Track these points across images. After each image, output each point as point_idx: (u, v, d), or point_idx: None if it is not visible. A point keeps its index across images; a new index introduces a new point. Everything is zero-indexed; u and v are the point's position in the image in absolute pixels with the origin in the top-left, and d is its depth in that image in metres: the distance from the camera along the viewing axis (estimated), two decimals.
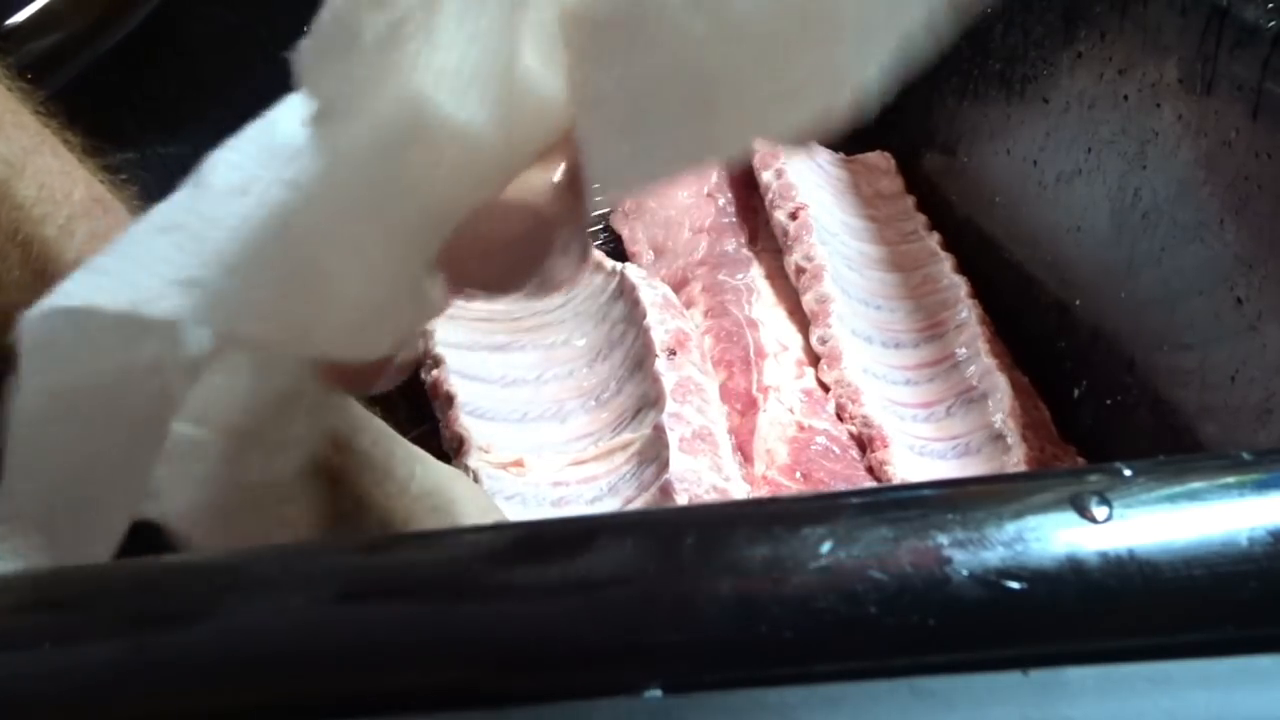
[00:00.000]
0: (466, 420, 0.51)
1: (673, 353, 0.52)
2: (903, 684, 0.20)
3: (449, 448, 0.50)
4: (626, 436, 0.50)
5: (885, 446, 0.51)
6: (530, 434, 0.52)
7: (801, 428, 0.53)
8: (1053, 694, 0.20)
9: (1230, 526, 0.21)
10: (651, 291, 0.58)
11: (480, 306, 0.56)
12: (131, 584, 0.23)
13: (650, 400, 0.50)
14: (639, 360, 0.53)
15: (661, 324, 0.55)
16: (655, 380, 0.50)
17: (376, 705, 0.21)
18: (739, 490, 0.48)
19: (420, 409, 0.54)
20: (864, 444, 0.52)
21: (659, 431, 0.47)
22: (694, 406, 0.50)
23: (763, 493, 0.50)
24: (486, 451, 0.49)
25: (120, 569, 0.24)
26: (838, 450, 0.52)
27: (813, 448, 0.52)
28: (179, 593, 0.22)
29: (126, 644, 0.21)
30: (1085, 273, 0.53)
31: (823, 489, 0.50)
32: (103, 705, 0.21)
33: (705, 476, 0.46)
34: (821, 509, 0.22)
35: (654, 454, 0.47)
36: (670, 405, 0.48)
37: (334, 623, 0.22)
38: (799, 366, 0.58)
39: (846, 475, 0.51)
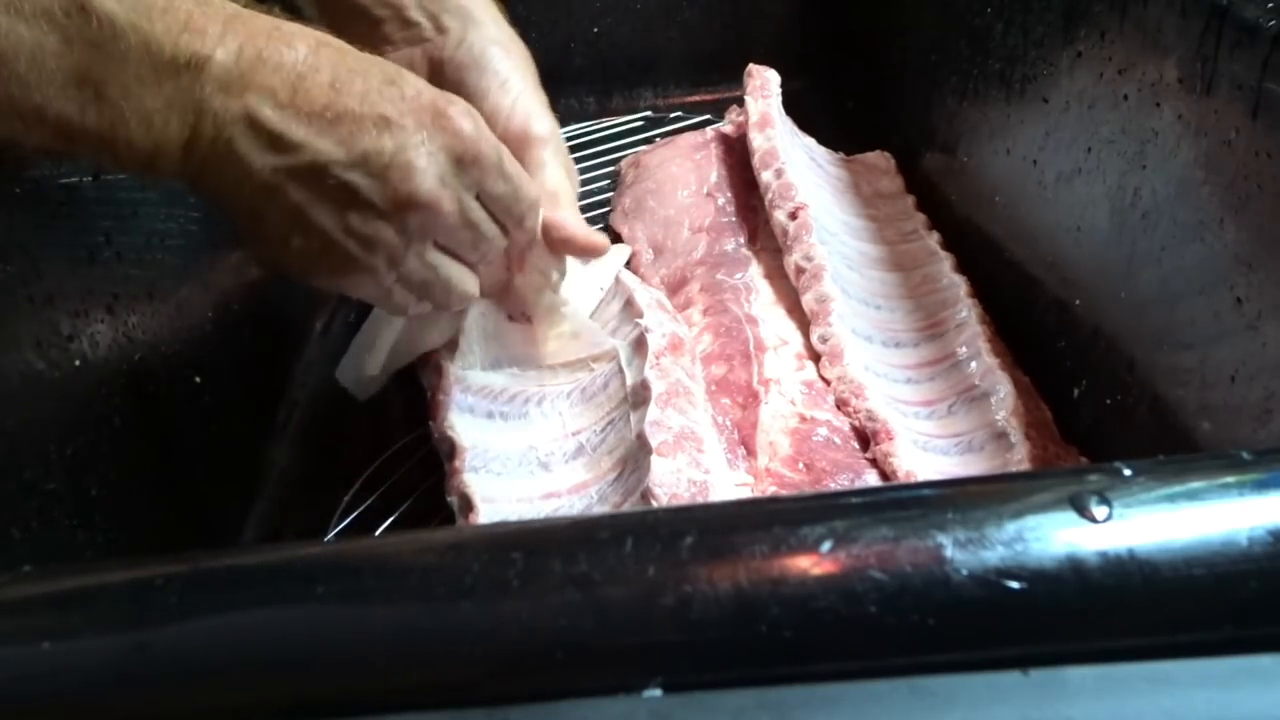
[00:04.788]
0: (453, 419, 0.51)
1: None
2: (903, 684, 0.20)
3: (443, 449, 0.50)
4: (612, 441, 0.50)
5: (890, 439, 0.51)
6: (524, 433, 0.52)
7: (803, 419, 0.53)
8: (1053, 694, 0.20)
9: (1230, 526, 0.21)
10: (646, 294, 0.59)
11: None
12: (132, 584, 0.23)
13: (639, 403, 0.51)
14: (630, 363, 0.54)
15: (659, 326, 0.55)
16: (644, 386, 0.50)
17: (376, 705, 0.21)
18: (721, 483, 0.48)
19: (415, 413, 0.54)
20: (867, 438, 0.52)
21: (642, 439, 0.48)
22: (676, 409, 0.50)
23: (766, 485, 0.50)
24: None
25: (119, 570, 0.24)
26: (839, 441, 0.52)
27: (814, 439, 0.52)
28: (179, 593, 0.22)
29: (126, 644, 0.21)
30: (1085, 273, 0.53)
31: (826, 480, 0.50)
32: (102, 705, 0.21)
33: (684, 473, 0.46)
34: (822, 508, 0.22)
35: (637, 462, 0.48)
36: (652, 412, 0.48)
37: (334, 623, 0.22)
38: (799, 359, 0.58)
39: (849, 465, 0.51)
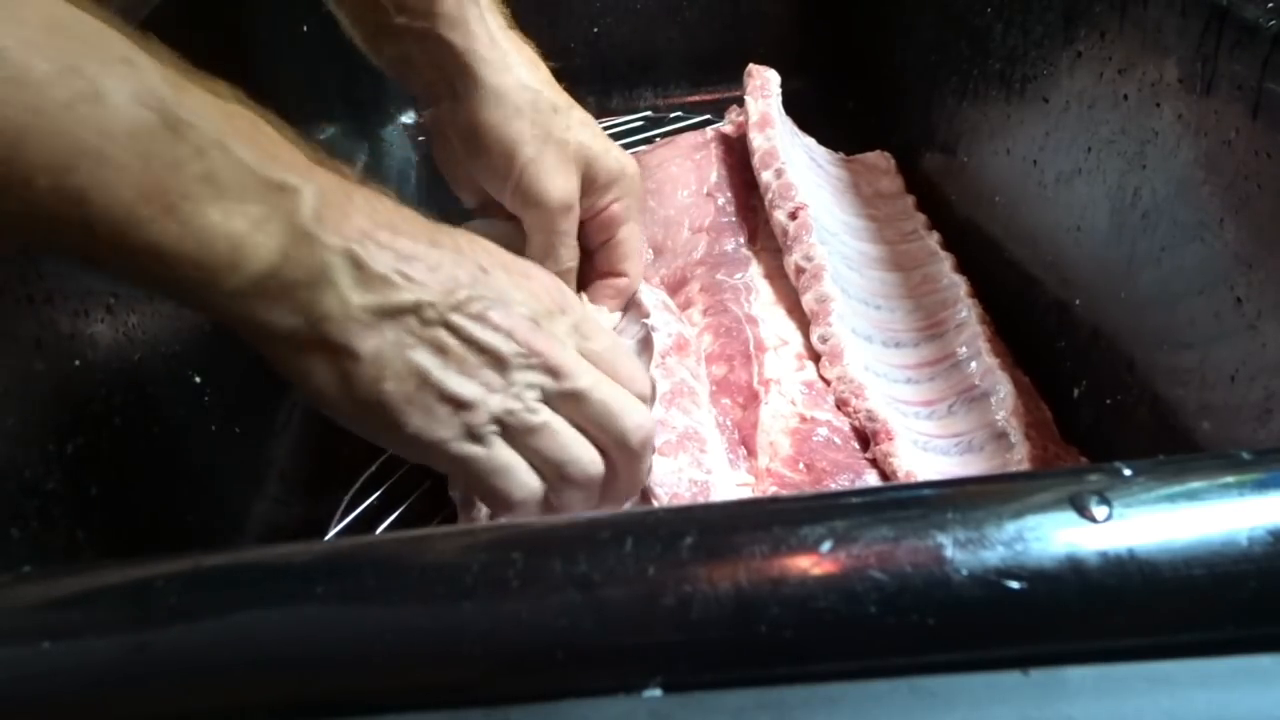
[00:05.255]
0: None
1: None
2: (903, 684, 0.20)
3: None
4: None
5: (890, 439, 0.51)
6: None
7: (804, 419, 0.53)
8: (1053, 694, 0.20)
9: (1230, 526, 0.21)
10: (653, 295, 0.59)
11: None
12: (132, 584, 0.23)
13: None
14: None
15: (665, 326, 0.55)
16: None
17: (376, 705, 0.21)
18: (722, 483, 0.48)
19: None
20: (867, 438, 0.52)
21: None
22: (680, 409, 0.50)
23: (766, 485, 0.50)
24: None
25: (119, 570, 0.23)
26: (839, 441, 0.52)
27: (815, 439, 0.52)
28: (179, 593, 0.22)
29: (126, 644, 0.21)
30: (1085, 273, 0.53)
31: (826, 481, 0.50)
32: (102, 705, 0.21)
33: (685, 473, 0.47)
34: (822, 508, 0.22)
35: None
36: (656, 411, 0.49)
37: (334, 623, 0.22)
38: (799, 360, 0.58)
39: (849, 465, 0.51)
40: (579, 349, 0.42)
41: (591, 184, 0.54)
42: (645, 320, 0.55)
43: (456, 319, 0.38)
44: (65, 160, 0.29)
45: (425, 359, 0.38)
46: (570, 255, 0.53)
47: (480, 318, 0.39)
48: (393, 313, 0.37)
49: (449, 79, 0.51)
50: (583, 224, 0.55)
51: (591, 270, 0.57)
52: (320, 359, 0.37)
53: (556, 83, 0.54)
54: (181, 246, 0.32)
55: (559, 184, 0.51)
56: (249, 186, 0.33)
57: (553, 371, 0.40)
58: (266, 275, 0.34)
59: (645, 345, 0.53)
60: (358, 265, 0.36)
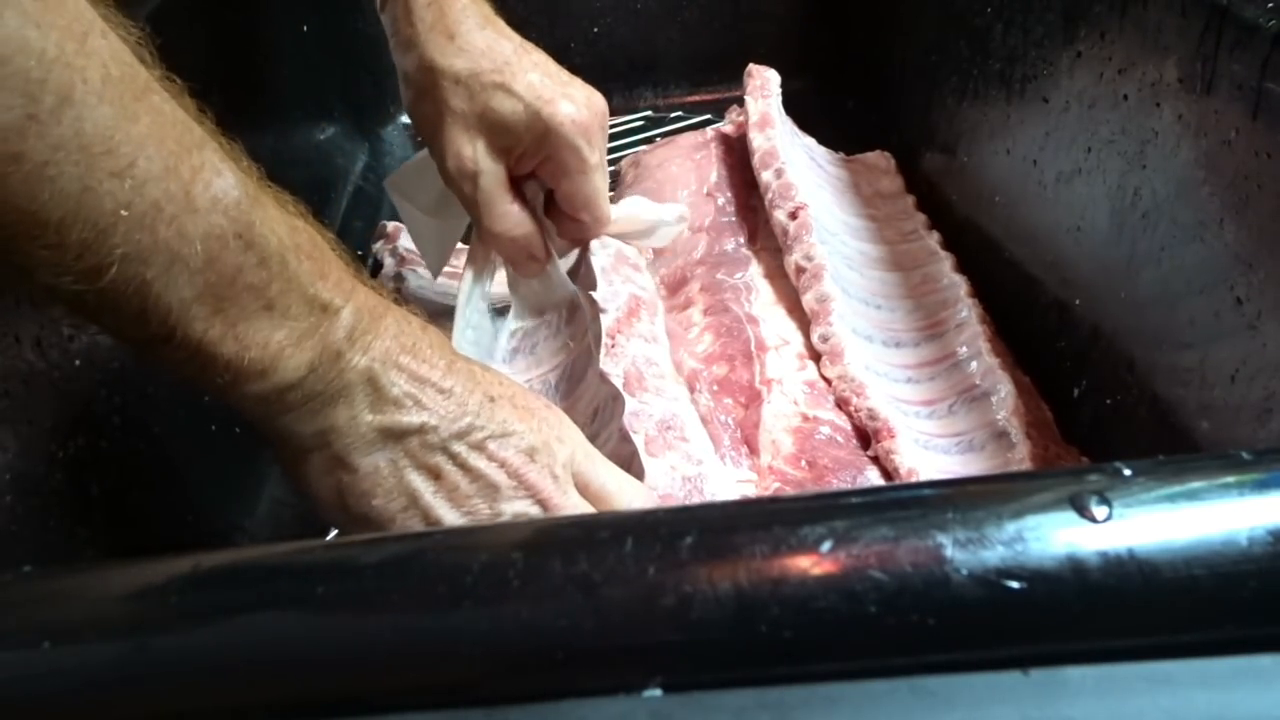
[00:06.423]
0: None
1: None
2: (903, 684, 0.20)
3: None
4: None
5: (892, 436, 0.51)
6: None
7: (805, 418, 0.54)
8: (1053, 694, 0.20)
9: (1230, 526, 0.21)
10: (606, 255, 0.58)
11: None
12: (132, 584, 0.23)
13: (607, 398, 0.50)
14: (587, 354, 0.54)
15: (614, 299, 0.55)
16: (605, 379, 0.50)
17: (377, 705, 0.21)
18: (714, 472, 0.48)
19: None
20: (868, 436, 0.52)
21: (624, 437, 0.47)
22: (651, 390, 0.49)
23: (769, 482, 0.50)
24: None
25: (119, 570, 0.24)
26: (841, 439, 0.52)
27: (817, 437, 0.52)
28: (180, 593, 0.22)
29: (126, 644, 0.21)
30: (1085, 273, 0.53)
31: (828, 478, 0.50)
32: (102, 705, 0.21)
33: (678, 469, 0.46)
34: (822, 508, 0.22)
35: (623, 462, 0.47)
36: (630, 404, 0.48)
37: (334, 623, 0.22)
38: (800, 359, 0.58)
39: (851, 463, 0.51)
40: (576, 473, 0.43)
41: (511, 149, 0.54)
42: (593, 293, 0.55)
43: (456, 446, 0.40)
44: (141, 253, 0.30)
45: (419, 482, 0.39)
46: (502, 220, 0.53)
47: (479, 447, 0.40)
48: (398, 434, 0.39)
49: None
50: (533, 174, 0.56)
51: (555, 208, 0.58)
52: (320, 464, 0.39)
53: (480, 48, 0.53)
54: (220, 348, 0.33)
55: (452, 155, 0.52)
56: (297, 302, 0.35)
57: (541, 502, 0.42)
58: (291, 386, 0.36)
59: (575, 313, 0.54)
60: (374, 387, 0.38)
